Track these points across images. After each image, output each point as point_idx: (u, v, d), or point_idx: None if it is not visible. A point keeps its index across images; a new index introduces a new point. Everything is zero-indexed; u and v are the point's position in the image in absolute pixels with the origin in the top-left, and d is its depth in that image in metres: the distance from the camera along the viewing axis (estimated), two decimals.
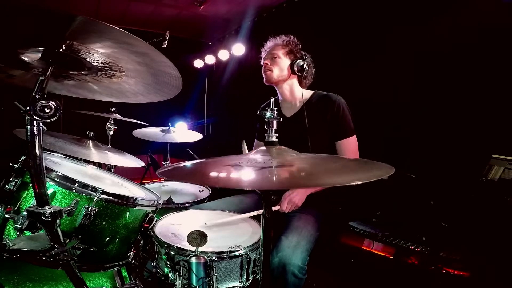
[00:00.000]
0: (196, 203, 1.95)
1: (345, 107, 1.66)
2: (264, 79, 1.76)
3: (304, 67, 1.70)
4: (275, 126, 0.95)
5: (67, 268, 1.03)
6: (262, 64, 1.78)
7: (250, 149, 1.63)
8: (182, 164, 0.92)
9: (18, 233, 1.04)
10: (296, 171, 0.79)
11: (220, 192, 2.03)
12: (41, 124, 0.94)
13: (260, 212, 1.44)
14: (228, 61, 4.35)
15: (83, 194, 1.16)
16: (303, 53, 1.75)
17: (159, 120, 2.90)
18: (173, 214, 1.50)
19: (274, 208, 1.32)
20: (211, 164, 0.89)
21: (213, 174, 0.81)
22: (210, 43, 5.07)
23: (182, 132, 2.71)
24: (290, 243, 1.36)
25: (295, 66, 1.69)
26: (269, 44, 1.79)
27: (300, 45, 1.76)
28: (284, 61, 1.71)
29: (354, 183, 0.65)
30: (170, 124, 2.61)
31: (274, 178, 0.74)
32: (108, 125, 2.37)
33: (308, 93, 1.75)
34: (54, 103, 0.92)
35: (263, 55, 1.81)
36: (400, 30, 2.23)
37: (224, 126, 4.83)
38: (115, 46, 0.92)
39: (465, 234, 1.67)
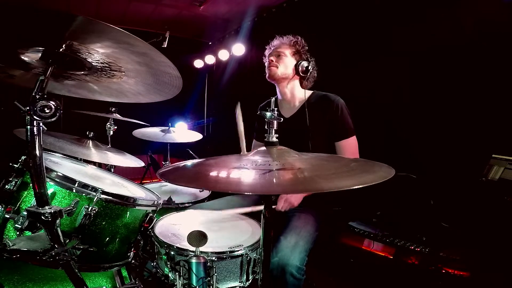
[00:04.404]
0: (196, 203, 1.95)
1: (344, 107, 1.66)
2: (267, 75, 1.76)
3: (309, 68, 1.71)
4: (275, 126, 0.95)
5: (67, 268, 1.03)
6: (267, 60, 1.78)
7: (248, 148, 1.62)
8: (182, 164, 0.92)
9: (18, 233, 1.04)
10: (297, 175, 0.78)
11: (220, 192, 2.03)
12: (41, 124, 0.94)
13: (257, 208, 1.44)
14: (228, 61, 4.35)
15: (83, 194, 1.16)
16: (309, 55, 1.76)
17: (159, 120, 2.90)
18: (173, 214, 1.50)
19: None
20: (211, 167, 0.87)
21: (213, 177, 0.80)
22: (210, 43, 5.07)
23: (182, 132, 2.71)
24: (289, 243, 1.35)
25: (300, 67, 1.70)
26: (276, 42, 1.78)
27: (307, 47, 1.76)
28: (290, 60, 1.72)
29: (356, 187, 0.65)
30: (170, 124, 2.61)
31: (275, 180, 0.73)
32: (108, 125, 2.37)
33: (307, 93, 1.74)
34: (54, 103, 0.92)
35: (268, 52, 1.80)
36: (400, 30, 2.23)
37: (224, 126, 4.82)
38: (115, 46, 0.92)
39: (465, 234, 1.67)
